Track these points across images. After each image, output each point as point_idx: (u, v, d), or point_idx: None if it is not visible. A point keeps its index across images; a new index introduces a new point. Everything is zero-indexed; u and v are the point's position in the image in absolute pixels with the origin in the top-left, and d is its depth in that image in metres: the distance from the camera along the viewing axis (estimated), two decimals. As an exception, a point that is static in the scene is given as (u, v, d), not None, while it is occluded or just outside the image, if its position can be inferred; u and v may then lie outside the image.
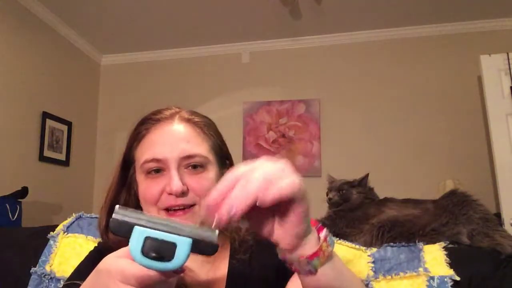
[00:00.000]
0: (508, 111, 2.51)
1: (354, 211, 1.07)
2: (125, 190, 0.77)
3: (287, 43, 3.37)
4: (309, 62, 3.32)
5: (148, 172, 0.70)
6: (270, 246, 0.49)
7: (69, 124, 3.17)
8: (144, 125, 0.74)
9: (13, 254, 1.06)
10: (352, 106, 3.18)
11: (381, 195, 1.16)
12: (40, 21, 2.90)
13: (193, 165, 0.69)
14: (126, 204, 0.75)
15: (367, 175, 1.17)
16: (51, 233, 1.05)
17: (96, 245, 0.84)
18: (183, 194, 0.67)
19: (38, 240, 1.08)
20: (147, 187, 0.69)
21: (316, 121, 3.20)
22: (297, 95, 3.28)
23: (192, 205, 0.68)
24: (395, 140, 3.05)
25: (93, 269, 0.47)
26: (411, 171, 2.97)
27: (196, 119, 0.74)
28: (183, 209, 0.68)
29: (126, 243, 0.42)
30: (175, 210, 0.67)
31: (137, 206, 0.75)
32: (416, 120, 3.04)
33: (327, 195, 1.19)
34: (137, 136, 0.74)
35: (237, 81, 3.43)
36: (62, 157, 3.08)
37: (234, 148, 3.58)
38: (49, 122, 2.93)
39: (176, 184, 0.66)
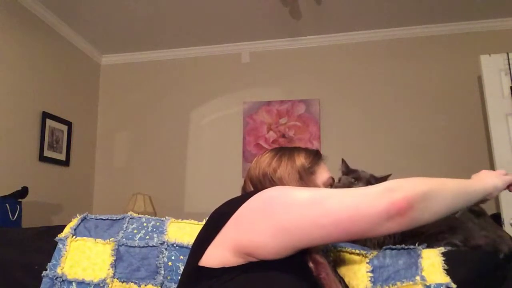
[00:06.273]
0: (508, 111, 2.51)
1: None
2: None
3: (287, 43, 3.37)
4: (309, 62, 3.32)
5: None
6: None
7: (69, 124, 3.17)
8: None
9: (13, 254, 1.06)
10: (352, 106, 3.18)
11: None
12: (40, 21, 2.90)
13: None
14: None
15: (389, 175, 1.19)
16: (59, 235, 1.05)
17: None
18: None
19: (39, 241, 1.08)
20: None
21: (316, 121, 3.20)
22: (297, 95, 3.28)
23: None
24: (395, 140, 3.05)
25: None
26: (411, 171, 2.96)
27: None
28: None
29: None
30: None
31: None
32: (416, 120, 3.04)
33: (351, 182, 1.19)
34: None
35: (237, 81, 3.43)
36: (62, 157, 3.08)
37: (234, 148, 3.58)
38: (49, 122, 2.94)
39: None
